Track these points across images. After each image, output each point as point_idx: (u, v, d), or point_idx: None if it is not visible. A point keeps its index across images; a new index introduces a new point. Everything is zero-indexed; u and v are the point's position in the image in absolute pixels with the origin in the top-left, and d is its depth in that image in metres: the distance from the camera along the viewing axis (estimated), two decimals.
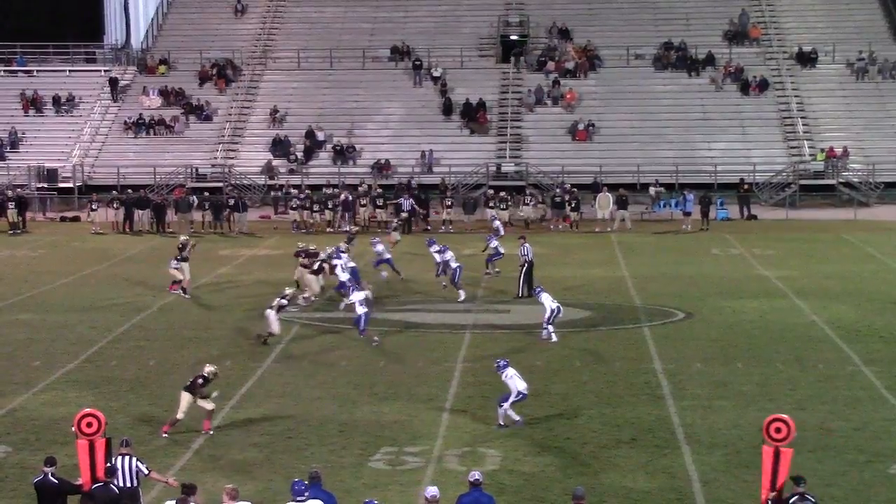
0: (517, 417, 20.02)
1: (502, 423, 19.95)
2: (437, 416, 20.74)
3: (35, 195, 52.05)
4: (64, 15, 71.35)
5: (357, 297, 26.67)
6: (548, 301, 26.65)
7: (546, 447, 19.02)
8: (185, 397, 19.77)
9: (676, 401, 21.61)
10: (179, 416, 19.72)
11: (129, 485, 15.07)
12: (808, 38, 60.63)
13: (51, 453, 15.87)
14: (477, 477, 14.54)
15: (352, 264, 31.20)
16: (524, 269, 31.87)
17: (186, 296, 31.76)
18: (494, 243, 34.48)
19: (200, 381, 19.89)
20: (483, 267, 34.74)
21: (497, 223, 40.81)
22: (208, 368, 20.26)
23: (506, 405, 19.97)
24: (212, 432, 19.62)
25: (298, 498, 14.02)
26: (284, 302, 26.59)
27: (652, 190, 49.48)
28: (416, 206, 46.70)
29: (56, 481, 14.73)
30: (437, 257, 32.22)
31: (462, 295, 31.20)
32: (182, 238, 32.96)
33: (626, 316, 29.55)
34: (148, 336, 27.48)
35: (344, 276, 29.91)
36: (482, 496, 14.36)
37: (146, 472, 15.36)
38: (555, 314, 26.55)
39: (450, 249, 32.25)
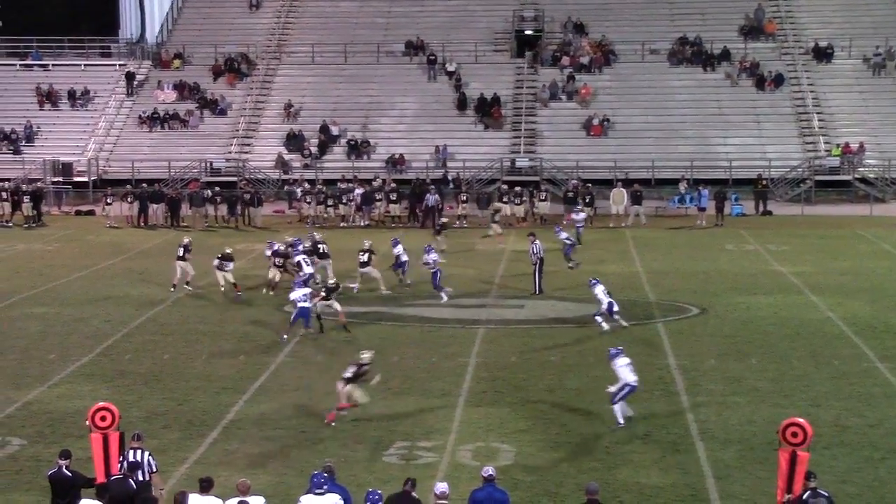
0: (623, 414, 19.60)
1: (620, 422, 19.57)
2: (450, 410, 20.73)
3: (50, 189, 52.18)
4: (79, 9, 71.61)
5: (298, 293, 26.63)
6: (601, 294, 26.68)
7: (559, 442, 18.99)
8: (348, 387, 19.72)
9: (690, 397, 21.56)
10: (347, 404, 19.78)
11: (141, 478, 15.08)
12: (824, 32, 60.36)
13: (65, 446, 15.93)
14: (490, 472, 14.50)
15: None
16: (537, 266, 31.82)
17: (190, 289, 31.87)
18: (563, 235, 34.55)
19: (361, 368, 19.91)
20: (564, 262, 34.83)
21: (581, 215, 41.01)
22: (365, 354, 20.34)
23: (617, 404, 19.65)
24: (334, 424, 19.61)
25: (317, 490, 14.02)
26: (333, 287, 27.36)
27: (681, 186, 49.40)
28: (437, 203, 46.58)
29: (70, 474, 14.76)
30: (404, 257, 32.42)
31: (444, 297, 30.73)
32: (186, 239, 33.13)
33: (641, 311, 29.48)
34: (162, 330, 27.54)
35: (309, 269, 30.30)
36: (495, 491, 14.34)
37: (154, 469, 15.32)
38: (609, 309, 26.58)
39: (435, 251, 32.14)
